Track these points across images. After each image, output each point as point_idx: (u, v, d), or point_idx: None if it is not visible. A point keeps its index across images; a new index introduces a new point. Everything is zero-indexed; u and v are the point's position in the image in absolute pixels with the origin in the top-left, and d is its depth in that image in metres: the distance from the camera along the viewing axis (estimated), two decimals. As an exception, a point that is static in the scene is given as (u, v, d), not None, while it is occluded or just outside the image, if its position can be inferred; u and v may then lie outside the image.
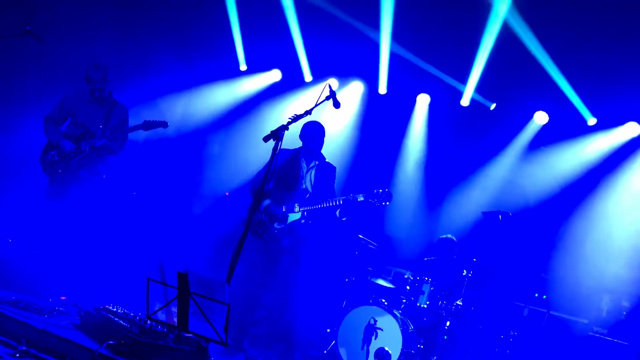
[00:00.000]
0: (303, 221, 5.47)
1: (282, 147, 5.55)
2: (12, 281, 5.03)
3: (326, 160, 5.79)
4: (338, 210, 5.41)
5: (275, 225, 5.50)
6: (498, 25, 6.75)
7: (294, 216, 5.49)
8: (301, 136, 5.72)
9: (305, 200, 5.51)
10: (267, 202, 5.55)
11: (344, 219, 5.42)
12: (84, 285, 5.38)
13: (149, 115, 6.26)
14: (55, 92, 6.29)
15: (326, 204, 5.38)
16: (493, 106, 7.95)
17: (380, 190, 5.24)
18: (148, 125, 5.87)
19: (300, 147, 5.75)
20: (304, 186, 5.60)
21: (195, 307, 3.78)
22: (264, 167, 5.53)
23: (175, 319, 3.91)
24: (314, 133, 5.65)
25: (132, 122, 6.03)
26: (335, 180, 5.79)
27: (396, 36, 7.50)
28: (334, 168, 5.81)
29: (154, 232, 7.07)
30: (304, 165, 5.69)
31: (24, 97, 7.16)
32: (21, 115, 7.07)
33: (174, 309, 3.91)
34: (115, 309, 4.26)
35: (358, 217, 6.58)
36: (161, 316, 3.99)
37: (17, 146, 6.99)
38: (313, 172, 5.68)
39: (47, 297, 4.98)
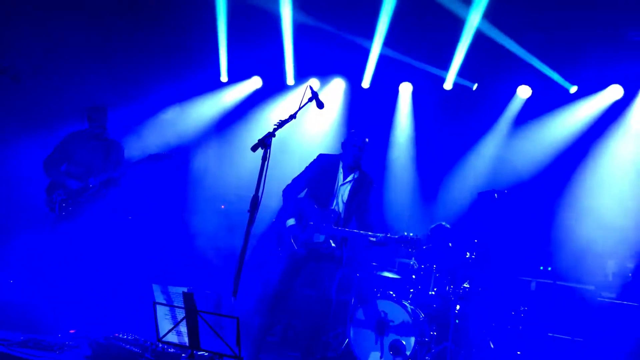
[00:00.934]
0: (325, 245, 5.18)
1: (321, 153, 5.44)
2: (19, 322, 5.03)
3: (365, 172, 5.41)
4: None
5: (296, 248, 5.20)
6: (481, 10, 6.80)
7: (318, 237, 5.19)
8: (343, 144, 5.37)
9: (333, 225, 5.17)
10: (291, 221, 5.26)
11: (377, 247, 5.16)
12: (91, 316, 5.38)
13: (136, 140, 6.36)
14: (37, 131, 6.41)
15: (354, 235, 5.12)
16: (475, 86, 7.98)
17: (413, 235, 5.03)
18: (153, 158, 6.08)
19: (340, 154, 5.40)
20: (334, 206, 5.26)
21: (206, 325, 3.78)
22: (301, 173, 5.39)
23: (187, 339, 3.91)
24: (355, 141, 5.27)
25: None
26: (371, 195, 5.40)
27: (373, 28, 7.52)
28: (372, 183, 5.41)
29: (154, 254, 7.07)
30: (340, 177, 5.33)
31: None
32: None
33: (184, 330, 3.91)
34: (125, 337, 4.27)
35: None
36: (172, 338, 3.99)
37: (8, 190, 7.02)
38: (349, 187, 5.31)
39: (56, 332, 4.99)
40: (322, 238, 5.19)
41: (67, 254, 5.81)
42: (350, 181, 5.33)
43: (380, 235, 5.04)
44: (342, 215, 5.27)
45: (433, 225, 6.67)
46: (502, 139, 7.99)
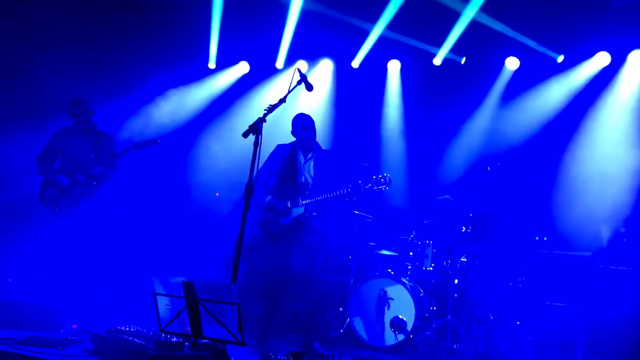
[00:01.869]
0: (306, 215, 5.43)
1: (279, 143, 5.72)
2: (21, 320, 5.03)
3: (323, 148, 5.73)
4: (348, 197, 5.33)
5: (281, 221, 5.48)
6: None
7: (298, 210, 5.45)
8: (292, 132, 5.67)
9: (306, 194, 5.47)
10: (269, 198, 5.54)
11: (354, 199, 5.36)
12: (92, 311, 5.40)
13: (127, 132, 6.33)
14: (29, 127, 6.38)
15: (327, 195, 5.34)
16: (463, 60, 7.95)
17: (380, 177, 5.24)
18: (139, 145, 6.09)
19: (295, 141, 5.70)
20: (302, 179, 5.56)
21: (208, 314, 3.80)
22: (263, 165, 5.55)
23: (189, 328, 3.93)
24: (302, 125, 5.59)
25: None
26: (348, 164, 5.76)
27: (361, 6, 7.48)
28: (337, 153, 5.77)
29: (152, 246, 7.07)
30: (301, 158, 5.65)
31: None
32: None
33: (186, 319, 3.93)
34: (127, 329, 4.28)
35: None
36: (174, 328, 4.01)
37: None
38: (311, 163, 5.61)
39: (58, 328, 5.00)
40: (301, 210, 5.43)
41: (65, 250, 5.83)
42: (311, 157, 5.63)
43: (349, 187, 5.24)
44: (314, 186, 5.51)
45: (439, 198, 6.69)
46: (493, 111, 7.99)
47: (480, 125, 8.05)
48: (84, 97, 6.18)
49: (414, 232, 6.59)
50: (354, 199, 5.30)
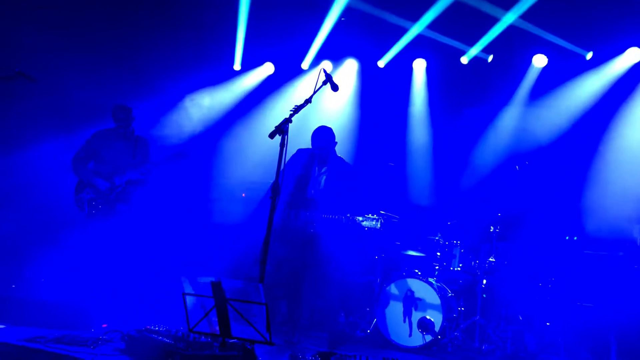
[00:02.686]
0: (312, 230, 5.57)
1: (300, 148, 5.82)
2: (53, 319, 5.13)
3: (341, 160, 5.85)
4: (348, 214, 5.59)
5: (292, 225, 5.61)
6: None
7: (299, 222, 5.62)
8: (312, 143, 5.79)
9: (310, 210, 5.62)
10: (283, 205, 5.64)
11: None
12: (123, 311, 5.47)
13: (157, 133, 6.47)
14: (61, 131, 6.51)
15: (326, 216, 5.56)
16: (490, 58, 7.86)
17: (371, 216, 5.49)
18: (171, 157, 6.29)
19: (314, 150, 5.82)
20: (310, 194, 5.69)
21: (236, 313, 3.82)
22: (284, 167, 5.63)
23: (217, 328, 3.96)
24: (317, 144, 5.74)
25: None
26: (350, 178, 5.85)
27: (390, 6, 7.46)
28: (349, 168, 5.87)
29: (182, 247, 7.15)
30: (316, 169, 5.77)
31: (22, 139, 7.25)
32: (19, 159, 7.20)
33: (214, 318, 3.96)
34: (156, 328, 4.33)
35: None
36: (203, 327, 4.05)
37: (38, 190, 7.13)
38: (324, 178, 5.74)
39: (89, 328, 5.08)
40: (300, 223, 5.60)
41: (97, 251, 5.91)
42: (324, 172, 5.76)
43: (349, 215, 5.51)
44: (320, 201, 5.66)
45: (465, 198, 6.64)
46: (521, 109, 7.89)
47: (508, 124, 7.95)
48: (129, 104, 6.35)
49: (439, 233, 6.55)
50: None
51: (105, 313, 5.34)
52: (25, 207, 7.08)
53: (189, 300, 4.03)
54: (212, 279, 3.83)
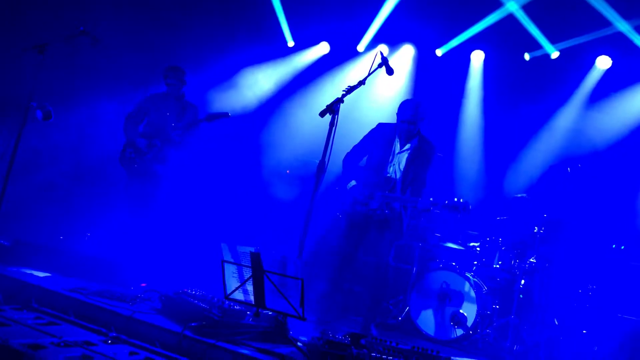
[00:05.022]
0: (379, 211, 5.30)
1: (381, 122, 5.53)
2: (94, 273, 5.30)
3: (427, 140, 5.43)
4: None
5: (357, 208, 5.36)
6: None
7: (374, 203, 5.31)
8: (397, 115, 5.39)
9: (387, 191, 5.30)
10: (352, 183, 5.40)
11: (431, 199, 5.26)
12: (160, 271, 5.60)
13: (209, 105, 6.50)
14: (118, 92, 6.62)
15: (405, 201, 5.23)
16: (555, 54, 7.62)
17: (461, 200, 5.05)
18: (211, 117, 6.20)
19: (397, 125, 5.41)
20: (389, 174, 5.35)
21: (271, 285, 3.87)
22: (360, 142, 5.50)
23: (252, 298, 4.01)
24: (402, 117, 5.30)
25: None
26: (432, 164, 5.45)
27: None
28: (433, 149, 5.42)
29: (224, 214, 7.24)
30: (397, 146, 5.40)
31: (91, 99, 7.44)
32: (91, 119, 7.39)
33: (250, 288, 4.02)
34: (193, 292, 4.42)
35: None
36: (238, 296, 4.11)
37: (90, 148, 7.34)
38: (406, 155, 5.37)
39: (129, 285, 5.22)
40: (376, 205, 5.28)
41: (138, 211, 6.04)
42: (407, 149, 5.39)
43: (431, 199, 5.09)
44: (399, 182, 5.33)
45: (515, 196, 6.51)
46: (579, 111, 7.65)
47: (563, 125, 7.74)
48: (182, 67, 6.35)
49: (476, 233, 6.46)
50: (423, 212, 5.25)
51: (144, 272, 5.48)
52: (79, 163, 7.30)
53: (227, 267, 4.09)
54: (252, 249, 3.88)
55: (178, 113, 6.32)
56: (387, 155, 5.37)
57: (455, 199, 5.07)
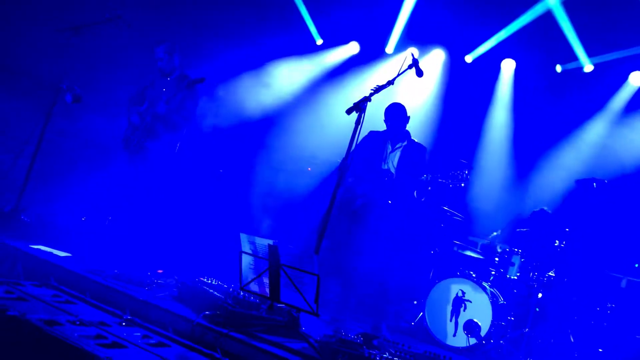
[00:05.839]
0: (381, 203, 5.40)
1: (372, 130, 5.74)
2: (113, 256, 5.35)
3: (415, 141, 5.71)
4: (415, 192, 5.39)
5: (358, 203, 5.47)
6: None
7: (374, 195, 5.43)
8: (385, 120, 5.70)
9: (386, 180, 5.46)
10: (350, 180, 5.56)
11: (422, 199, 5.37)
12: (178, 259, 5.63)
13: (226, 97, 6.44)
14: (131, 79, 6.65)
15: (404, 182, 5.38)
16: (588, 67, 7.51)
17: (458, 172, 5.18)
18: (189, 84, 5.87)
19: (387, 130, 5.72)
20: (385, 166, 5.56)
21: (287, 279, 3.87)
22: (354, 148, 5.54)
23: (267, 290, 4.02)
24: (393, 114, 5.61)
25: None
26: (425, 160, 5.68)
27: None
28: (424, 149, 5.71)
29: (243, 207, 7.26)
30: (389, 146, 5.66)
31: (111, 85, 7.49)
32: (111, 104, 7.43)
33: (266, 281, 4.03)
34: (210, 281, 4.44)
35: (438, 197, 6.51)
36: (254, 287, 4.12)
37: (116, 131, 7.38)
38: (398, 153, 5.62)
39: (146, 270, 5.26)
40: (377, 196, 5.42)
41: (131, 188, 5.92)
42: (399, 147, 5.62)
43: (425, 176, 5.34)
44: (395, 176, 5.52)
45: (536, 209, 6.44)
46: (608, 125, 7.53)
47: (592, 140, 7.62)
48: (171, 41, 6.10)
49: (498, 245, 6.40)
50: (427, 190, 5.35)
51: (162, 259, 5.52)
52: (107, 147, 7.34)
53: (245, 258, 4.10)
54: (270, 241, 3.88)
55: (173, 89, 6.02)
56: (380, 156, 5.62)
57: (452, 172, 5.27)
